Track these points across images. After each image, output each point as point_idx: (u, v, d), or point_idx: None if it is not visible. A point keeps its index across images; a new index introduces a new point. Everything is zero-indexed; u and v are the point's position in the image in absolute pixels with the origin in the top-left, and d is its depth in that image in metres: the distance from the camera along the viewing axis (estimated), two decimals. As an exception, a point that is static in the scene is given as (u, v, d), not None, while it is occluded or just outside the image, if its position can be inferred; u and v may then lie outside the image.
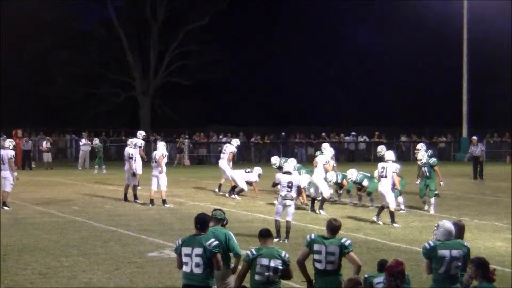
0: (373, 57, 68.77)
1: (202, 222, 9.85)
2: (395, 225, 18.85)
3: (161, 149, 23.56)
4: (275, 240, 16.18)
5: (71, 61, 55.08)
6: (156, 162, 23.18)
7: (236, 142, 28.18)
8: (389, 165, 19.60)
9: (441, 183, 22.96)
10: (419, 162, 22.84)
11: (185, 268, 9.64)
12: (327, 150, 23.42)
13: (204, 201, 24.27)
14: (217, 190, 26.67)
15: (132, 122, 59.49)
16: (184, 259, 9.63)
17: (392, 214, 19.13)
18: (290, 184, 16.89)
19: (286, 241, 16.46)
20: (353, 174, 22.72)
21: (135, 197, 24.11)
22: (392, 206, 19.22)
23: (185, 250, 9.63)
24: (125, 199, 24.27)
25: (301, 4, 68.11)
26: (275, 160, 25.63)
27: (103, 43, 57.98)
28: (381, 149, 24.04)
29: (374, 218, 19.44)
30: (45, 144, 41.66)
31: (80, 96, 56.73)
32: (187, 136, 47.93)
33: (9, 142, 22.57)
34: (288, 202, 16.84)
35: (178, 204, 22.85)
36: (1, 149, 22.60)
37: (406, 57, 66.31)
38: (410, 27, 62.95)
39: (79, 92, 56.23)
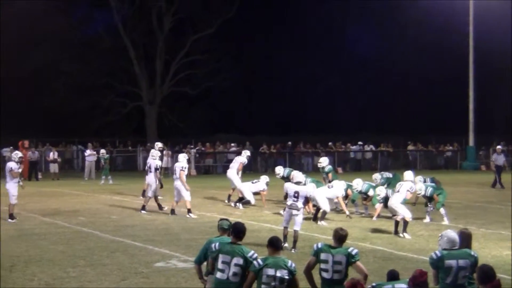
0: (379, 65, 68.77)
1: (238, 230, 10.06)
2: (406, 235, 18.75)
3: (181, 162, 23.29)
4: (285, 245, 16.27)
5: (77, 70, 55.28)
6: (176, 174, 23.08)
7: (246, 153, 28.13)
8: (405, 183, 19.69)
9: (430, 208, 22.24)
10: (418, 194, 22.47)
11: (220, 275, 9.72)
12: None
13: (211, 211, 24.24)
14: (226, 200, 26.65)
15: (138, 132, 59.59)
16: (221, 266, 9.72)
17: (406, 224, 19.03)
18: (296, 194, 16.86)
19: (293, 251, 16.43)
20: (358, 184, 22.80)
21: (160, 206, 24.13)
22: (408, 216, 19.07)
23: (223, 257, 9.74)
24: (160, 208, 24.26)
25: (304, 14, 68.31)
26: (279, 170, 25.63)
27: (109, 53, 58.05)
28: (376, 178, 24.44)
29: (401, 235, 19.02)
30: (52, 155, 41.74)
31: (86, 106, 56.83)
32: (193, 146, 47.97)
33: (14, 155, 22.51)
34: (294, 211, 16.82)
35: (185, 214, 22.81)
36: (8, 161, 22.66)
37: (412, 66, 66.33)
38: (415, 35, 62.97)
39: (85, 102, 56.34)
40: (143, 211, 23.75)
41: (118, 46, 58.01)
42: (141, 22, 58.92)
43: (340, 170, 46.66)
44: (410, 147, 53.50)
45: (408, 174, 20.30)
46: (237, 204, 25.33)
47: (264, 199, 25.58)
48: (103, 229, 20.01)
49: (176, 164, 23.43)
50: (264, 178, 25.80)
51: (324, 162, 25.24)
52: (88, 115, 57.43)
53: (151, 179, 24.39)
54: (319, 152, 49.76)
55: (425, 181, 22.72)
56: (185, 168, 23.12)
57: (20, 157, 22.44)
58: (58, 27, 53.32)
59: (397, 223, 19.27)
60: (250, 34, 65.36)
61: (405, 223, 18.95)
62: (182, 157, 23.67)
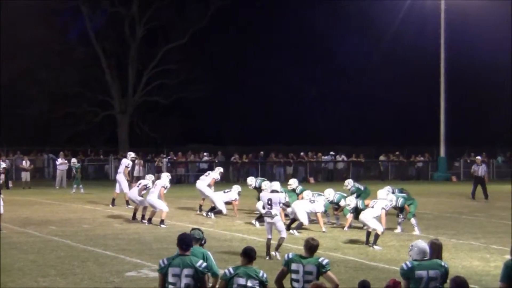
0: (352, 76, 68.99)
1: (187, 242, 9.92)
2: (376, 247, 18.78)
3: (163, 180, 23.87)
4: (266, 258, 16.32)
5: (50, 80, 54.94)
6: (155, 188, 23.52)
7: (219, 169, 27.91)
8: (380, 201, 19.79)
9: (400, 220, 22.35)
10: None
11: None
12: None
13: (182, 220, 24.21)
14: (198, 210, 26.59)
15: (110, 141, 59.36)
16: (172, 279, 9.65)
17: (377, 237, 18.99)
18: (269, 202, 16.96)
19: (276, 253, 16.62)
20: (330, 194, 22.89)
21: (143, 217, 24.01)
22: (380, 230, 19.03)
23: (173, 270, 9.66)
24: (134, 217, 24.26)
25: (281, 23, 68.44)
26: (251, 181, 25.66)
27: (81, 62, 57.73)
28: (348, 183, 24.84)
29: (372, 247, 18.87)
30: (25, 163, 41.49)
31: (58, 115, 56.45)
32: (165, 155, 47.89)
33: None
34: (268, 219, 16.92)
35: (156, 224, 22.76)
36: None
37: (385, 77, 66.63)
38: (388, 47, 63.27)
39: (57, 111, 55.99)
40: (144, 221, 23.64)
41: (90, 55, 57.78)
42: (113, 31, 58.78)
43: (312, 180, 46.78)
44: (382, 158, 53.72)
45: (382, 193, 20.38)
46: (209, 213, 25.30)
47: (236, 209, 25.58)
48: (74, 238, 19.92)
49: (158, 182, 23.82)
50: (236, 188, 25.82)
51: (293, 183, 24.70)
52: (60, 124, 57.03)
53: (133, 193, 24.68)
54: (291, 162, 49.86)
55: (393, 192, 22.72)
56: (166, 187, 23.65)
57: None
58: (32, 37, 53.01)
59: (368, 233, 19.35)
60: (223, 44, 65.35)
61: (376, 236, 18.99)
62: (165, 176, 24.41)
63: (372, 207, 19.62)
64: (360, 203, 21.29)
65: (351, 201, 21.80)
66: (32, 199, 32.39)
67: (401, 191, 23.32)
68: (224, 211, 25.31)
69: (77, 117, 57.78)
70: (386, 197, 20.28)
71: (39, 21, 53.18)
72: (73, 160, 39.29)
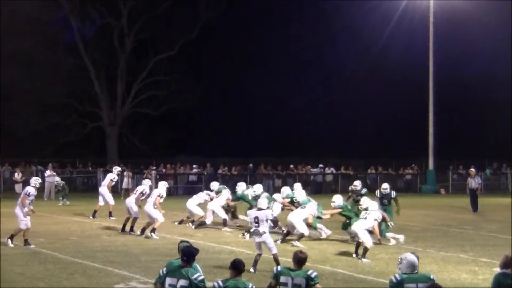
0: (340, 88, 69.09)
1: (188, 254, 10.02)
2: (364, 260, 18.74)
3: (160, 189, 23.84)
4: (250, 270, 16.26)
5: (38, 91, 54.72)
6: (150, 197, 23.55)
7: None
8: (372, 212, 19.87)
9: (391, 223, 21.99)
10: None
11: None
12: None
13: (171, 232, 24.14)
14: (193, 227, 26.00)
15: (99, 153, 59.21)
16: None
17: (366, 250, 18.97)
18: (256, 220, 16.92)
19: (279, 268, 16.65)
20: (338, 199, 22.54)
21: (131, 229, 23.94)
22: (369, 244, 19.04)
23: (170, 280, 9.80)
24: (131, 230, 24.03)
25: (269, 35, 68.54)
26: (240, 188, 25.73)
27: (70, 73, 57.61)
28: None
29: (360, 260, 18.84)
30: (17, 175, 41.42)
31: (46, 127, 56.28)
32: (154, 167, 47.80)
33: None
34: (256, 238, 16.84)
35: (147, 235, 22.70)
36: None
37: (374, 89, 66.79)
38: (375, 60, 63.48)
39: (45, 123, 55.82)
40: (132, 233, 23.61)
41: (79, 66, 57.68)
42: (103, 43, 58.74)
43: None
44: (370, 171, 53.77)
45: (374, 204, 20.45)
46: (197, 227, 25.42)
47: (233, 203, 25.80)
48: (63, 251, 19.84)
49: (154, 190, 23.89)
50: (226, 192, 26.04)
51: (284, 192, 24.62)
52: (48, 135, 56.87)
53: (130, 201, 24.51)
54: (280, 174, 49.88)
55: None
56: (162, 196, 23.45)
57: None
58: (19, 47, 52.89)
59: (358, 244, 19.36)
60: (212, 55, 65.42)
61: (365, 249, 18.97)
62: (162, 185, 24.17)
63: (365, 218, 19.64)
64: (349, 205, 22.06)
65: (337, 199, 22.08)
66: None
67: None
68: (209, 221, 25.35)
69: (65, 128, 57.65)
70: (377, 208, 20.34)
71: (27, 31, 53.12)
72: (57, 178, 39.03)
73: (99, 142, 61.29)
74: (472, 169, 36.94)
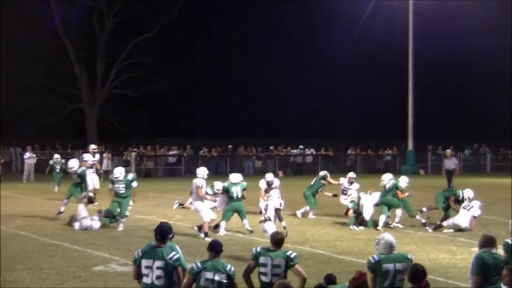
0: (320, 70, 69.19)
1: (162, 233, 9.95)
2: (354, 227, 20.91)
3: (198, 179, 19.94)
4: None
5: (17, 72, 54.33)
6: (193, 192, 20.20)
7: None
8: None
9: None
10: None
11: (145, 280, 9.77)
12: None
13: (151, 214, 24.13)
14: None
15: (79, 134, 58.96)
16: (144, 270, 9.75)
17: (362, 220, 21.16)
18: (266, 207, 16.88)
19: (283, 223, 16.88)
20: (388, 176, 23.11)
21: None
22: (367, 217, 21.10)
23: (146, 262, 9.76)
24: None
25: (250, 18, 68.48)
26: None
27: (49, 54, 57.17)
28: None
29: (353, 227, 20.96)
30: None
31: (26, 108, 55.98)
32: (134, 149, 47.66)
33: None
34: (262, 225, 16.80)
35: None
36: None
37: (354, 72, 66.96)
38: (357, 42, 63.55)
39: (24, 104, 55.50)
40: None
41: (59, 47, 57.30)
42: (82, 24, 58.35)
43: (280, 173, 46.83)
44: (350, 151, 53.94)
45: (387, 176, 22.53)
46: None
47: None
48: (41, 233, 19.77)
49: (194, 181, 19.98)
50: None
51: (274, 181, 23.90)
52: (28, 117, 56.57)
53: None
54: (260, 155, 49.92)
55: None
56: (201, 186, 19.71)
57: None
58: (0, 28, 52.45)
59: (358, 218, 21.19)
60: (192, 37, 65.27)
61: (362, 219, 21.22)
62: (201, 172, 20.17)
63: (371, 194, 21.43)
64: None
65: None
66: (-2, 193, 32.00)
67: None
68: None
69: (45, 110, 57.31)
70: (389, 182, 21.91)
71: (6, 13, 52.66)
72: (56, 155, 35.35)
73: (79, 124, 61.01)
74: (448, 150, 36.99)
